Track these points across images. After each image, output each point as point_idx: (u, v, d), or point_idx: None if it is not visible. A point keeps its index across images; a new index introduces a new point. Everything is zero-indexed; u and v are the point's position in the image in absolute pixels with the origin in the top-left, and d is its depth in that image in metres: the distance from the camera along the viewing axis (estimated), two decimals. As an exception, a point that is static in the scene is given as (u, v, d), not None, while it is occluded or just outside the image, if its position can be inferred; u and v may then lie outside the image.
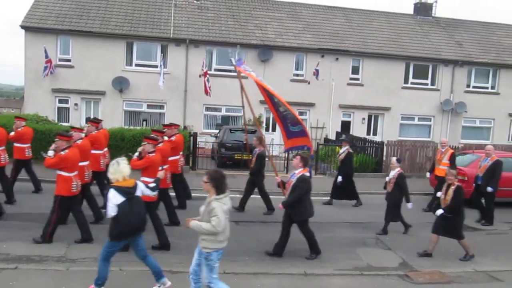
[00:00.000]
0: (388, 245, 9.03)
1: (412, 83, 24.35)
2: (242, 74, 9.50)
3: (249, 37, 22.56)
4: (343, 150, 12.68)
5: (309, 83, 22.42)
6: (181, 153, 11.01)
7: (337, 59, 23.04)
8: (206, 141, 19.17)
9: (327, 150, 18.47)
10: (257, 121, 10.90)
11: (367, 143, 19.11)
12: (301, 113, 23.12)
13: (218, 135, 18.77)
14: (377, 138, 22.13)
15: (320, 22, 25.22)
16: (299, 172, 7.88)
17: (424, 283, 7.19)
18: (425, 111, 24.52)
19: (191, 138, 16.41)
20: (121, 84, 21.05)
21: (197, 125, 21.58)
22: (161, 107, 22.04)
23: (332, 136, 22.63)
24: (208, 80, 20.37)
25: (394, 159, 10.20)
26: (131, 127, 18.18)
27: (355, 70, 23.60)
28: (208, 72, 21.13)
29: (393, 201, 9.82)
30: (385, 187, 10.07)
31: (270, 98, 9.23)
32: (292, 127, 9.18)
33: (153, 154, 7.92)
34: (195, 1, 24.56)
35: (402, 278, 7.37)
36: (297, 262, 7.73)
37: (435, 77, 24.58)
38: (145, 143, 8.02)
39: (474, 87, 25.14)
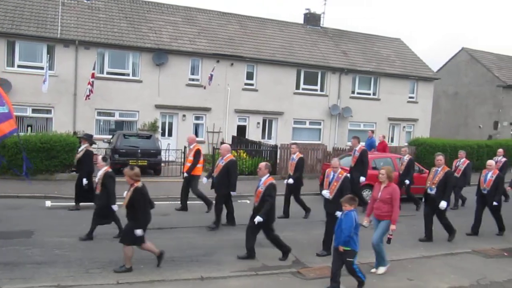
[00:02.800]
0: (282, 244, 9.39)
1: (303, 89, 25.60)
2: None
3: (144, 40, 22.07)
4: (82, 148, 11.85)
5: (205, 88, 22.52)
6: None
7: (232, 64, 23.45)
8: (99, 147, 18.35)
9: (223, 154, 18.65)
10: None
11: (261, 147, 19.68)
12: (197, 118, 23.18)
13: (111, 140, 18.12)
14: (271, 142, 22.92)
15: (215, 27, 25.49)
16: None
17: (315, 278, 7.62)
18: (316, 116, 25.92)
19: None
20: (1, 86, 19.32)
21: (88, 131, 20.55)
22: (48, 111, 20.64)
23: (229, 141, 22.93)
24: (92, 83, 19.51)
25: (99, 157, 9.64)
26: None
27: (249, 76, 24.21)
28: (101, 75, 20.32)
29: (101, 203, 9.03)
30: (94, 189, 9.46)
31: None
32: None
33: None
34: (84, 1, 23.43)
35: (295, 275, 7.73)
36: (193, 267, 7.75)
37: (323, 83, 26.10)
38: None
39: (358, 93, 27.14)
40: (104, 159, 9.56)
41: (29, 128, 20.22)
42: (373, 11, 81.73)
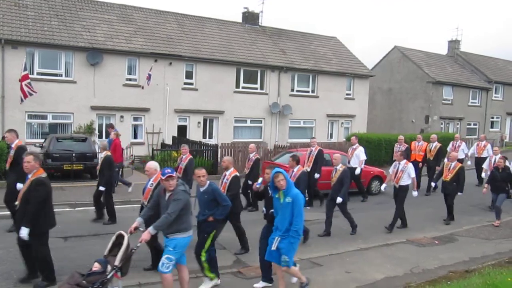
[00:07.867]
0: (223, 245, 9.34)
1: (243, 87, 25.64)
2: None
3: (76, 39, 21.19)
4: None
5: (143, 87, 21.99)
6: None
7: (170, 63, 23.06)
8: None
9: (164, 155, 18.37)
10: None
11: (202, 146, 19.53)
12: (136, 119, 22.60)
13: (44, 144, 17.29)
14: (213, 141, 22.79)
15: (152, 26, 24.95)
16: None
17: (256, 277, 7.61)
18: (256, 114, 26.06)
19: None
20: None
21: (19, 135, 19.47)
22: (-27, 115, 19.39)
23: (169, 141, 22.59)
24: (29, 84, 18.56)
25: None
26: None
27: (189, 75, 23.90)
28: (31, 76, 19.29)
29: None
30: None
31: None
32: None
33: None
34: (10, -2, 22.14)
35: (236, 275, 7.71)
36: (132, 273, 7.47)
37: (263, 81, 26.29)
38: None
39: (297, 91, 27.56)
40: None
41: (-49, 134, 18.88)
42: (312, 12, 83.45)
